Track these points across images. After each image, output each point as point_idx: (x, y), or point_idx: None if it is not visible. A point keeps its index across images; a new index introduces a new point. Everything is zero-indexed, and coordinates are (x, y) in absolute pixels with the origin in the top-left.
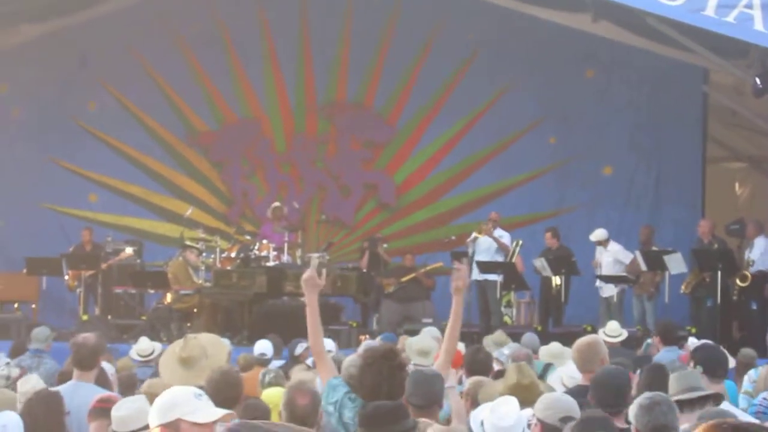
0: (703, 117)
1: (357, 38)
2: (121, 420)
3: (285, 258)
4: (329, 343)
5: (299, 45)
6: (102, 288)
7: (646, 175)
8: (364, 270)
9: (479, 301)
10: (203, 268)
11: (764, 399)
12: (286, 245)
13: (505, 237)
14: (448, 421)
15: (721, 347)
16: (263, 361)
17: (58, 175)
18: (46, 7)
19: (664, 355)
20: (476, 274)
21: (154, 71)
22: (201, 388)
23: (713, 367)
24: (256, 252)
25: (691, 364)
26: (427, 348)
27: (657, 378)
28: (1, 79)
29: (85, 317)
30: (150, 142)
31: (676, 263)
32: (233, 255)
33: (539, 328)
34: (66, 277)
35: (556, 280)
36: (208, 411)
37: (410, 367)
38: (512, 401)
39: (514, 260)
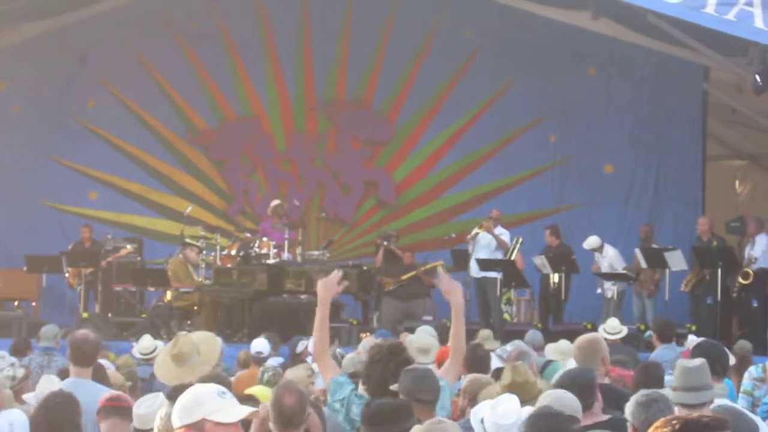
0: (703, 114)
1: (357, 36)
2: (141, 418)
3: (285, 255)
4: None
5: (299, 43)
6: (102, 286)
7: (646, 173)
8: (378, 266)
9: (479, 298)
10: (203, 265)
11: None
12: (286, 243)
13: (505, 235)
14: None
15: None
16: (259, 360)
17: (58, 173)
18: (46, 5)
19: (660, 352)
20: (476, 272)
21: (154, 69)
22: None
23: (713, 365)
24: (257, 249)
25: None
26: (428, 346)
27: (652, 377)
28: (1, 77)
29: (85, 315)
30: (150, 139)
31: (676, 260)
32: (233, 252)
33: (540, 326)
34: (67, 275)
35: (554, 278)
36: (232, 410)
37: None
38: (513, 399)
39: (514, 258)
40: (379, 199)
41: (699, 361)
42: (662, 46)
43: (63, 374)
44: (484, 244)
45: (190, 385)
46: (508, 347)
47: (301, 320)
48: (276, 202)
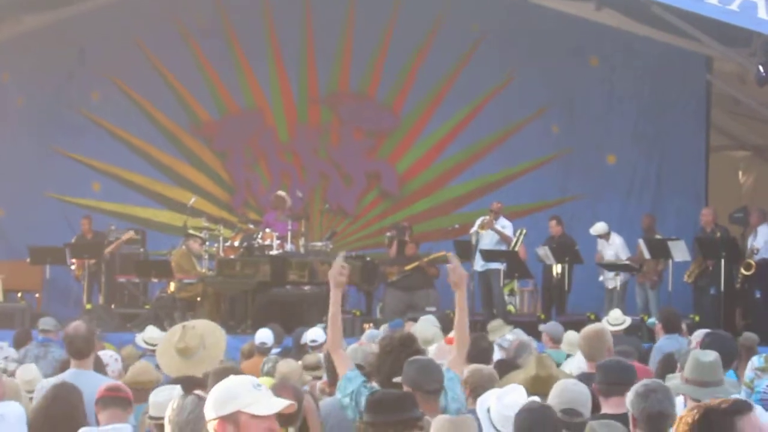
0: (706, 105)
1: (360, 27)
2: (158, 405)
3: (288, 247)
4: (319, 333)
5: (302, 34)
6: (105, 277)
7: (649, 164)
8: (392, 257)
9: (482, 290)
10: (206, 257)
11: None
12: (289, 234)
13: (507, 227)
14: None
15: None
16: (264, 350)
17: (62, 165)
18: None
19: (665, 342)
20: (479, 265)
21: (158, 61)
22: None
23: (723, 358)
24: (260, 241)
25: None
26: (430, 337)
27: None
28: (4, 68)
29: (89, 306)
30: (153, 131)
31: (679, 251)
32: (236, 244)
33: (542, 317)
34: (73, 267)
35: (557, 269)
36: (268, 402)
37: None
38: (519, 390)
39: (517, 249)
40: (382, 190)
41: (713, 355)
42: (665, 36)
43: (63, 365)
44: (487, 239)
45: (197, 378)
46: (509, 336)
47: (304, 311)
48: (278, 193)
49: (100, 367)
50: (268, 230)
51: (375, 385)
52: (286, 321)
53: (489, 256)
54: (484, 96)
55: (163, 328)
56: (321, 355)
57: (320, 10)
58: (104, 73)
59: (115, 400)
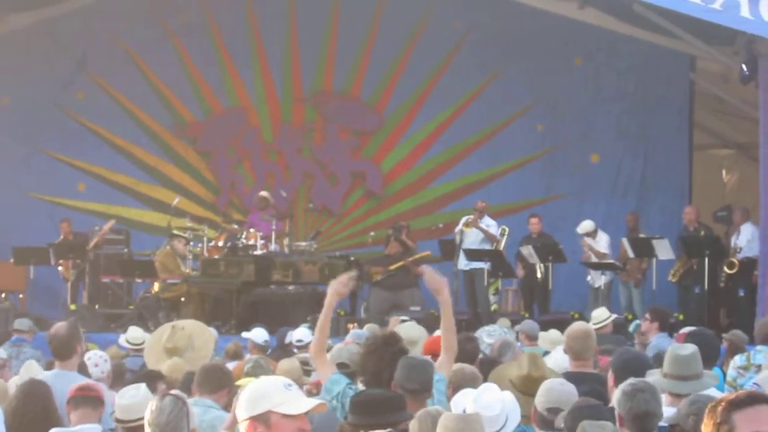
0: (690, 104)
1: (344, 27)
2: (124, 408)
3: (273, 246)
4: (305, 333)
5: (286, 34)
6: (90, 277)
7: (633, 163)
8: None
9: (467, 289)
10: (191, 257)
11: (755, 384)
12: (273, 234)
13: (492, 226)
14: None
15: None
16: (264, 348)
17: (47, 164)
18: None
19: (661, 340)
20: (463, 265)
21: (142, 61)
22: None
23: (704, 354)
24: (244, 241)
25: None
26: (416, 337)
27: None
28: None
29: (73, 306)
30: (137, 131)
31: (663, 249)
32: (221, 244)
33: (527, 315)
34: (60, 268)
35: (541, 268)
36: (299, 402)
37: None
38: (494, 389)
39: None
40: (367, 189)
41: (691, 348)
42: (649, 35)
43: (48, 367)
44: (472, 237)
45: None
46: (486, 338)
47: (288, 311)
48: (262, 193)
49: (83, 370)
50: (252, 230)
51: (360, 386)
52: (271, 321)
53: (473, 255)
54: (468, 95)
55: (147, 329)
56: (308, 355)
57: (304, 9)
58: (89, 73)
59: (87, 400)
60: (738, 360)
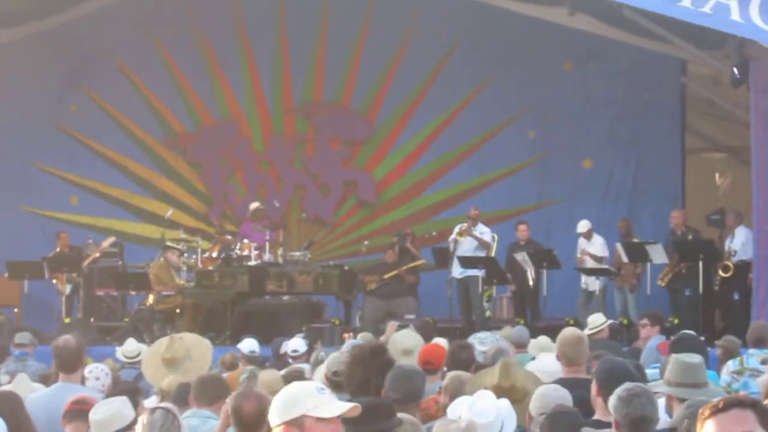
0: (681, 108)
1: (334, 37)
2: (99, 424)
3: (267, 257)
4: (300, 343)
5: (276, 44)
6: (84, 290)
7: (625, 168)
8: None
9: (461, 297)
10: (185, 268)
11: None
12: (267, 244)
13: (486, 233)
14: None
15: (701, 337)
16: (253, 359)
17: (39, 178)
18: (25, 10)
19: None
20: (457, 273)
21: (132, 73)
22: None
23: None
24: (238, 251)
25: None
26: (411, 347)
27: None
28: None
29: (67, 320)
30: (129, 144)
31: (657, 254)
32: (215, 255)
33: (521, 322)
34: (55, 282)
35: (531, 274)
36: (332, 405)
37: None
38: (489, 396)
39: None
40: (359, 198)
41: (698, 357)
42: (639, 40)
43: (43, 379)
44: (466, 245)
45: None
46: (479, 345)
47: (283, 321)
48: (255, 205)
49: (83, 384)
50: (246, 241)
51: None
52: (265, 331)
53: (467, 262)
54: (459, 103)
55: (142, 341)
56: (303, 366)
57: (294, 20)
58: (80, 86)
59: (81, 413)
60: (731, 365)
